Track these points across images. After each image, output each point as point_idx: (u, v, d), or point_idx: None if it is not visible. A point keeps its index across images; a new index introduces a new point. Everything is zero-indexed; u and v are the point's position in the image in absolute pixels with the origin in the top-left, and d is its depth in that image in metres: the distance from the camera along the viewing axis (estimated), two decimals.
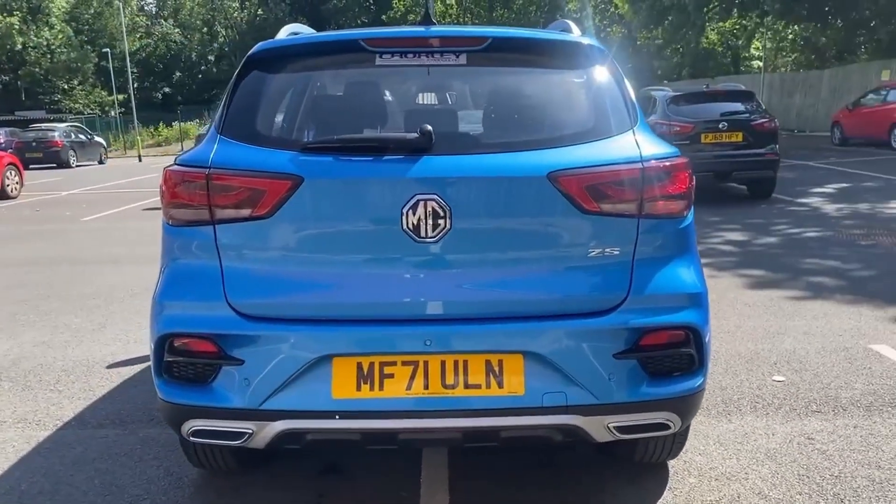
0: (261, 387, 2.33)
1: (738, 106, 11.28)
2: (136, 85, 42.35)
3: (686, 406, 2.45)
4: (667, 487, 2.96)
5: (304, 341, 2.31)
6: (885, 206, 10.12)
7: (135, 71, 46.43)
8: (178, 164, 2.47)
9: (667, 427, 2.44)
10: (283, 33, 2.92)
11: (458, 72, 2.56)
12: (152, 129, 43.75)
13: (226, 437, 2.44)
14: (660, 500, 2.86)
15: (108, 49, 45.56)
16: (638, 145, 2.41)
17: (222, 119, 2.51)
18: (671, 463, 3.13)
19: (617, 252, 2.35)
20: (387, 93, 2.65)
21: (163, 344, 2.41)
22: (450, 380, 2.30)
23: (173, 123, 43.02)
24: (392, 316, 2.33)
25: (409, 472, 3.10)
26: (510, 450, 3.19)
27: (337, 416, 2.31)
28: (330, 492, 2.98)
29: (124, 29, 40.34)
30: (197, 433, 2.44)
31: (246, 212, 2.34)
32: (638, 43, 35.04)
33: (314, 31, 3.09)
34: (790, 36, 33.66)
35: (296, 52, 2.65)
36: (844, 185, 12.58)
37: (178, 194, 2.42)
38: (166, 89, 55.71)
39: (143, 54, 54.77)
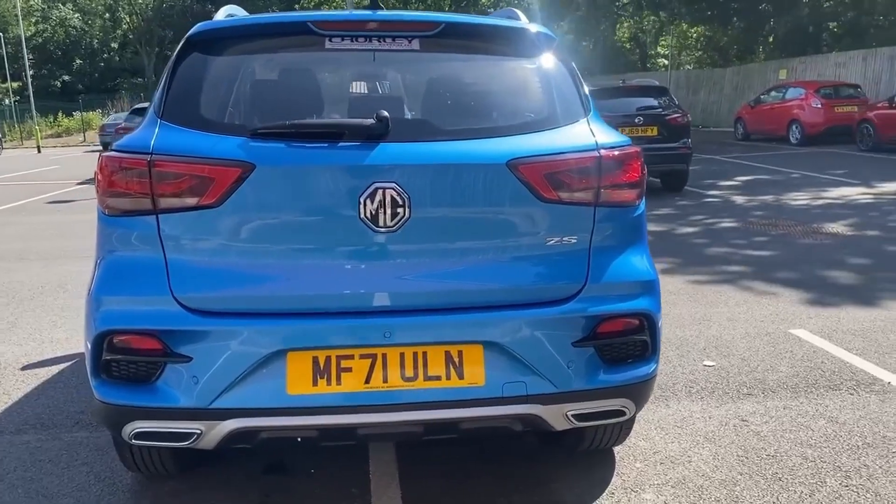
0: (210, 385, 2.22)
1: (653, 101, 11.63)
2: (32, 72, 40.06)
3: (641, 392, 2.48)
4: (615, 473, 3.00)
5: (256, 336, 2.22)
6: (788, 198, 10.64)
7: (31, 57, 44.02)
8: (115, 150, 2.32)
9: (622, 414, 2.47)
10: (221, 15, 2.79)
11: (411, 57, 2.50)
12: (51, 119, 41.56)
13: (171, 439, 2.32)
14: (609, 486, 2.90)
15: (0, 33, 42.97)
16: (593, 134, 2.42)
17: (162, 102, 2.38)
18: (616, 449, 3.18)
19: (574, 240, 2.35)
20: (337, 77, 2.56)
21: (101, 342, 2.27)
22: (409, 372, 2.25)
23: (74, 113, 40.99)
24: (349, 308, 2.26)
25: (357, 467, 3.03)
26: (457, 441, 3.16)
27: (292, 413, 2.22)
28: (276, 491, 2.89)
29: (19, 12, 38.05)
30: (140, 435, 2.31)
31: (192, 200, 2.22)
32: None
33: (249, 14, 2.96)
34: (694, 35, 34.92)
35: (240, 34, 2.53)
36: (750, 177, 13.15)
37: (116, 182, 2.27)
38: (66, 77, 52.96)
39: (40, 40, 51.91)
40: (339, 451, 3.13)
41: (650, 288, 2.45)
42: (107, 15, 54.37)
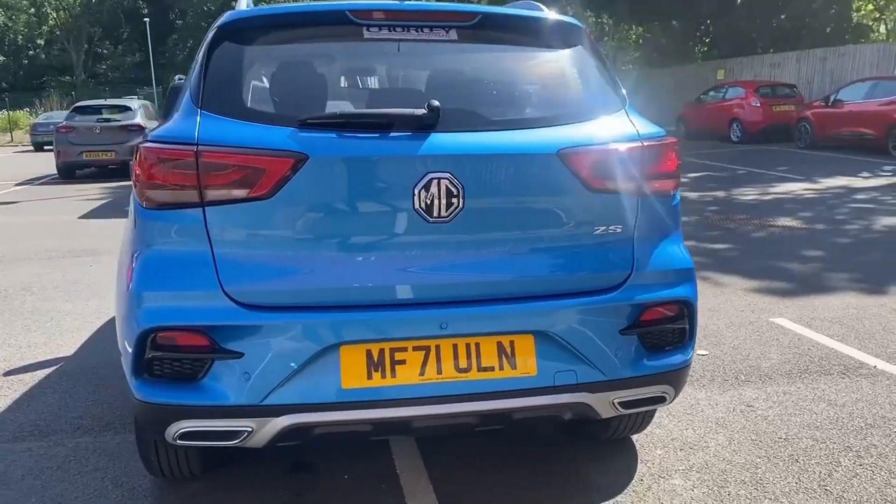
0: (263, 381, 2.16)
1: None
2: None
3: (680, 378, 2.52)
4: (638, 460, 3.05)
5: (310, 330, 2.17)
6: (738, 193, 10.99)
7: None
8: (155, 141, 2.24)
9: (663, 400, 2.51)
10: (242, 4, 2.72)
11: (450, 47, 2.49)
12: None
13: (219, 438, 2.25)
14: (637, 473, 2.94)
15: None
16: (633, 124, 2.45)
17: (200, 91, 2.30)
18: (634, 437, 3.22)
19: (619, 230, 2.38)
20: (377, 67, 2.53)
21: (144, 340, 2.18)
22: (463, 363, 2.24)
23: None
24: (402, 300, 2.24)
25: (381, 462, 3.00)
26: (478, 433, 3.15)
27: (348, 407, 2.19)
28: (306, 490, 2.83)
29: None
30: (185, 435, 2.23)
31: (241, 192, 2.16)
32: None
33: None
34: (633, 36, 35.65)
35: (276, 23, 2.48)
36: (697, 174, 13.50)
37: (159, 174, 2.19)
38: None
39: None
40: (361, 447, 3.10)
41: (689, 276, 2.49)
42: (32, 10, 52.34)
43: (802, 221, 8.67)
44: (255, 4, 2.87)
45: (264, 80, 2.42)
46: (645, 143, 2.40)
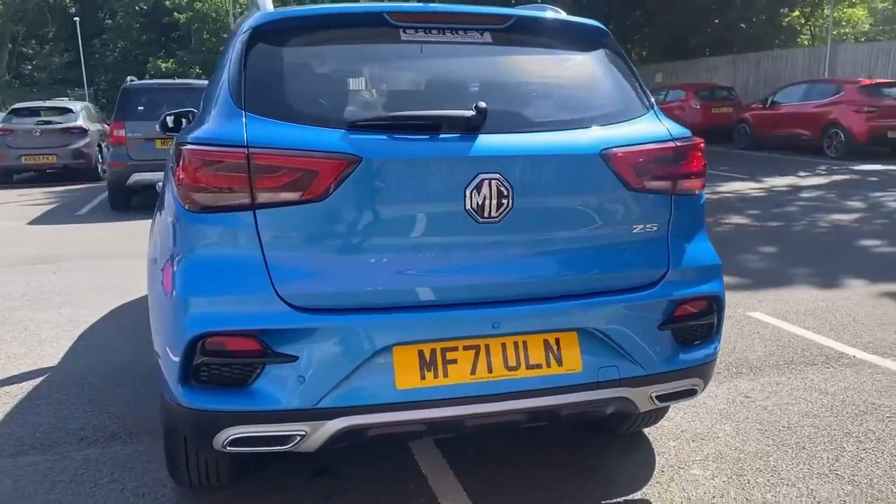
0: (317, 383, 2.15)
1: None
2: None
3: (709, 371, 2.61)
4: (655, 452, 3.13)
5: (365, 331, 2.17)
6: None
7: None
8: (200, 144, 2.20)
9: (694, 393, 2.59)
10: (269, 5, 2.70)
11: (485, 49, 2.51)
12: None
13: (270, 444, 2.22)
14: (656, 465, 3.02)
15: None
16: (664, 125, 2.53)
17: (242, 93, 2.27)
18: (645, 430, 3.31)
19: (655, 228, 2.45)
20: (416, 69, 2.54)
21: (193, 346, 2.14)
22: (512, 361, 2.27)
23: None
24: (453, 300, 2.25)
25: (404, 463, 3.01)
26: (496, 432, 3.19)
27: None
28: (334, 494, 2.82)
29: None
30: (236, 442, 2.20)
31: (294, 195, 2.14)
32: None
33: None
34: None
35: (315, 25, 2.46)
36: None
37: (206, 177, 2.16)
38: None
39: None
40: (380, 450, 3.10)
41: (718, 272, 2.58)
42: None
43: (754, 219, 9.00)
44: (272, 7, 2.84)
45: (307, 81, 2.40)
46: (678, 143, 2.47)
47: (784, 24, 26.95)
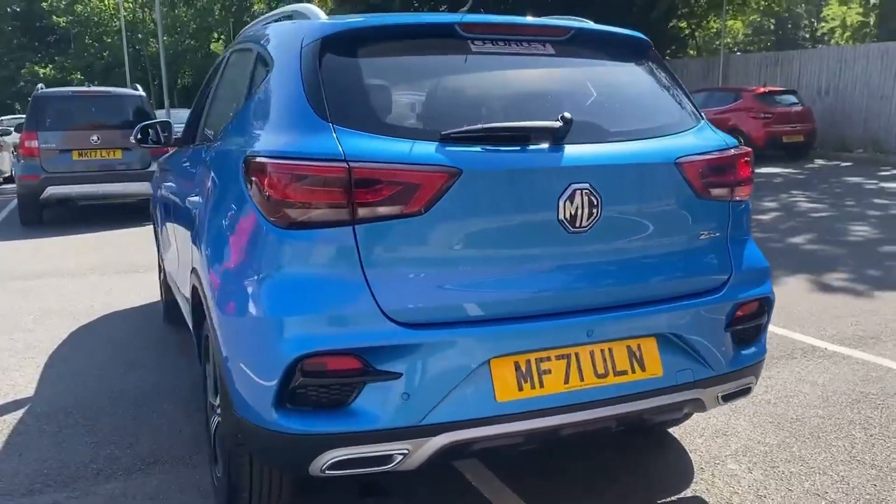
0: (422, 400, 2.11)
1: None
2: None
3: (760, 369, 2.73)
4: (687, 450, 3.24)
5: (468, 345, 2.15)
6: None
7: None
8: (293, 157, 2.12)
9: (749, 390, 2.70)
10: (322, 15, 2.62)
11: (550, 61, 2.54)
12: None
13: (373, 464, 2.16)
14: (693, 463, 3.12)
15: None
16: (717, 134, 2.63)
17: (324, 105, 2.21)
18: (670, 431, 3.42)
19: (718, 234, 2.54)
20: (490, 80, 2.53)
21: (293, 368, 2.06)
22: (601, 369, 2.30)
23: None
24: (548, 310, 2.27)
25: (449, 478, 2.98)
26: None
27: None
28: None
29: None
30: (337, 465, 2.13)
31: (395, 209, 2.10)
32: None
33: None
34: None
35: (387, 35, 2.42)
36: None
37: (302, 192, 2.09)
38: None
39: None
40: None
41: (768, 274, 2.70)
42: None
43: None
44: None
45: (390, 92, 2.35)
46: (733, 152, 2.58)
47: (675, 35, 28.30)
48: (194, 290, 2.86)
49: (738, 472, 3.03)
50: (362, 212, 2.09)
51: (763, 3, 29.97)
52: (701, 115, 2.69)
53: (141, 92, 10.69)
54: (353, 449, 2.12)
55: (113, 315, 5.54)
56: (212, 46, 51.55)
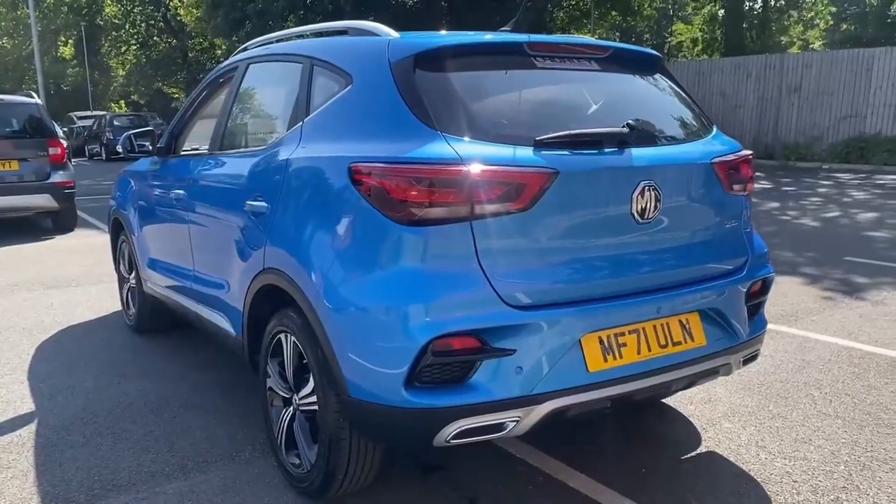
0: (533, 372, 2.41)
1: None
2: None
3: (764, 338, 3.22)
4: (687, 416, 3.70)
5: (569, 323, 2.48)
6: None
7: None
8: (416, 163, 2.37)
9: (758, 355, 3.18)
10: (393, 33, 2.86)
11: (596, 76, 2.92)
12: None
13: (490, 431, 2.44)
14: (696, 426, 3.59)
15: None
16: (729, 139, 3.10)
17: (429, 115, 2.47)
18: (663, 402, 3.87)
19: (737, 223, 3.01)
20: (556, 92, 2.86)
21: (424, 350, 2.32)
22: (663, 340, 2.69)
23: None
24: (626, 290, 2.63)
25: (497, 452, 3.27)
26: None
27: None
28: (456, 486, 3.02)
29: None
30: (460, 434, 2.39)
31: (505, 206, 2.40)
32: (218, 52, 34.92)
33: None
34: None
35: (467, 51, 2.71)
36: None
37: (426, 192, 2.35)
38: None
39: None
40: (470, 450, 3.33)
41: (768, 257, 3.20)
42: None
43: None
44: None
45: (481, 102, 2.63)
46: (745, 153, 3.06)
47: None
48: (257, 293, 3.02)
49: (735, 430, 3.52)
50: (478, 209, 2.37)
51: (619, 18, 32.03)
52: (712, 122, 3.16)
53: (36, 99, 10.16)
54: (473, 419, 2.39)
55: (71, 329, 5.39)
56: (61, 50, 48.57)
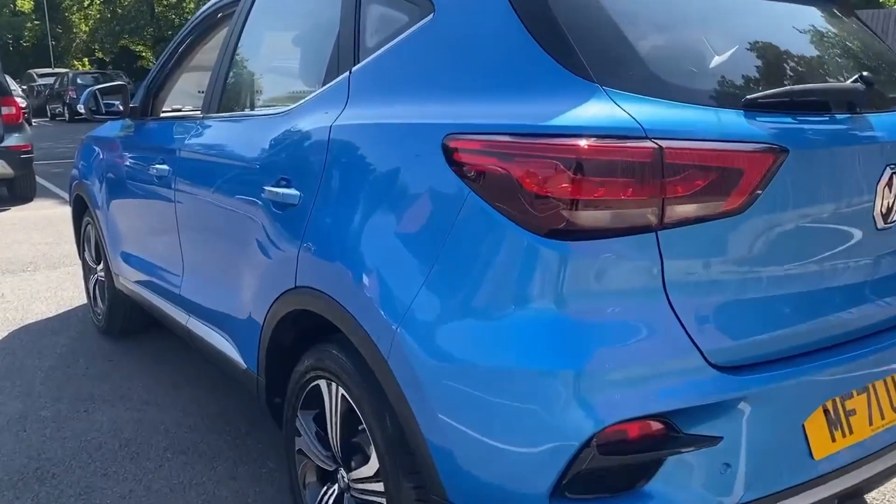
0: (746, 470, 1.53)
1: None
2: None
3: None
4: None
5: (804, 387, 1.59)
6: None
7: None
8: (566, 135, 1.42)
9: None
10: None
11: (800, 10, 2.02)
12: None
13: None
14: None
15: None
16: None
17: (577, 56, 1.52)
18: None
19: None
20: (757, 28, 1.90)
21: (586, 444, 1.41)
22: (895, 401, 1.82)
23: None
24: (858, 332, 1.73)
25: None
26: None
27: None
28: None
29: None
30: None
31: (709, 206, 1.47)
32: (188, 8, 33.15)
33: None
34: None
35: None
36: None
37: (587, 184, 1.40)
38: None
39: None
40: None
41: None
42: None
43: None
44: None
45: (656, 40, 1.67)
46: None
47: None
48: (283, 319, 2.08)
49: None
50: (670, 211, 1.44)
51: None
52: None
53: None
54: None
55: (25, 330, 4.39)
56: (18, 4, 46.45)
